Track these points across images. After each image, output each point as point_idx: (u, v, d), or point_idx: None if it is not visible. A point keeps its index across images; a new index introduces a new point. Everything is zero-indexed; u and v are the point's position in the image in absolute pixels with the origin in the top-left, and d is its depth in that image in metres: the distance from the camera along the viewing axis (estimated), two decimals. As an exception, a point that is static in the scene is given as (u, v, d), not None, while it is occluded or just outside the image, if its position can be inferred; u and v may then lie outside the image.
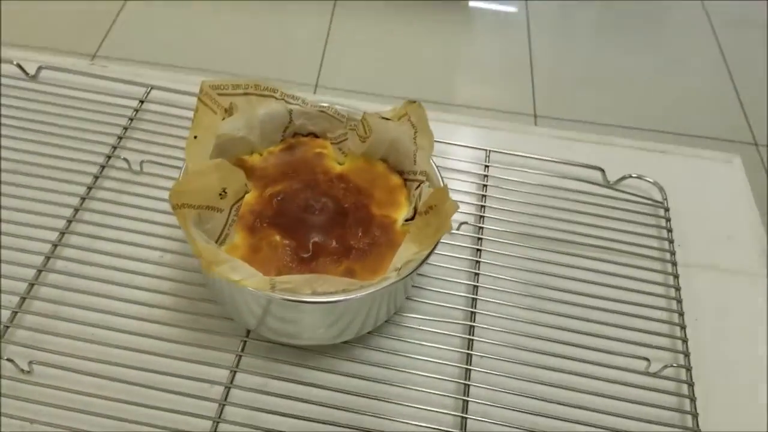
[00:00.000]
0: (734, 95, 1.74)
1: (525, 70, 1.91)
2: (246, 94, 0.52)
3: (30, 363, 0.49)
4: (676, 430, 0.51)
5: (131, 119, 0.65)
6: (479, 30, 2.00)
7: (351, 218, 0.52)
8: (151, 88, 0.67)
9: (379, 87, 1.66)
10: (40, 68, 0.68)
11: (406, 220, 0.52)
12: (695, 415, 0.51)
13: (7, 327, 0.51)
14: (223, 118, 0.51)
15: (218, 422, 0.48)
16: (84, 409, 0.47)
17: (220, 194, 0.47)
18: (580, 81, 1.82)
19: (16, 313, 0.51)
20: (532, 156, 0.66)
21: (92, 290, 0.53)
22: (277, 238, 0.50)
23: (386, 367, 0.51)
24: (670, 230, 0.62)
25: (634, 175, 0.65)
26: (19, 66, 0.68)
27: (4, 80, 0.67)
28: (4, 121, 0.63)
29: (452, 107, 1.74)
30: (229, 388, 0.49)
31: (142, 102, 0.66)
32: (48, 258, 0.55)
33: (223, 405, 0.48)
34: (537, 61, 1.96)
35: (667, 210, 0.63)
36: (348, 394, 0.50)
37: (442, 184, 0.52)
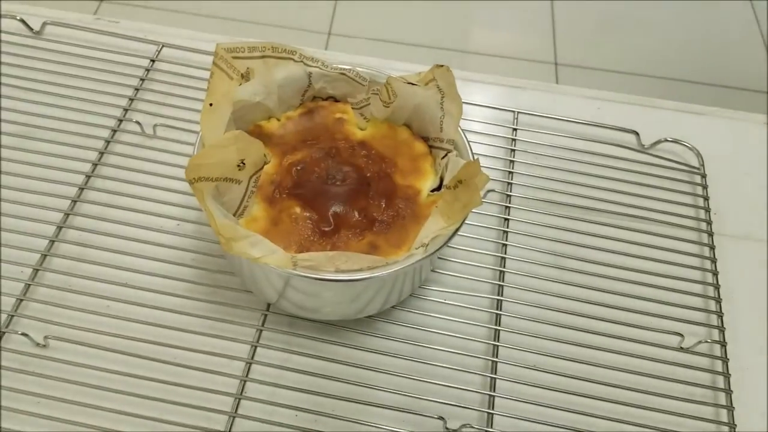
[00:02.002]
0: (761, 42, 1.67)
1: (546, 15, 1.84)
2: (263, 57, 0.49)
3: (45, 337, 0.48)
4: (709, 407, 0.49)
5: (142, 79, 0.62)
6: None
7: (374, 188, 0.49)
8: (162, 46, 0.64)
9: (393, 33, 1.60)
10: (44, 24, 0.65)
11: (432, 191, 0.50)
12: (729, 393, 0.49)
13: (21, 300, 0.49)
14: (240, 84, 0.48)
15: (240, 399, 0.47)
16: (100, 384, 0.46)
17: (238, 165, 0.45)
18: (602, 27, 1.76)
19: (29, 285, 0.50)
20: (563, 118, 0.63)
21: (107, 261, 0.51)
22: (298, 210, 0.47)
23: (410, 343, 0.50)
24: (706, 198, 0.59)
25: (669, 139, 0.62)
26: (23, 21, 0.65)
27: (7, 36, 0.64)
28: (8, 80, 0.61)
29: (469, 54, 1.68)
30: (250, 363, 0.48)
31: (153, 61, 0.63)
32: (60, 228, 0.53)
33: (245, 381, 0.47)
34: (558, 5, 1.88)
35: (704, 177, 0.60)
36: (371, 370, 0.48)
37: (470, 154, 0.49)
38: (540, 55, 1.81)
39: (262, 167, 0.47)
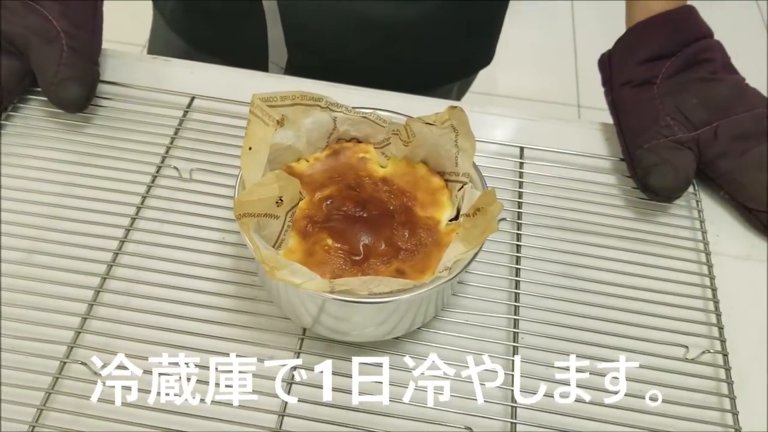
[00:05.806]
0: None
1: (569, 58, 1.87)
2: (293, 104, 0.55)
3: (102, 366, 0.52)
4: (715, 412, 0.53)
5: (177, 128, 0.67)
6: (522, 16, 1.94)
7: (397, 220, 0.54)
8: (194, 98, 0.70)
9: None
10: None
11: (450, 220, 0.55)
12: (733, 398, 0.53)
13: (78, 332, 0.54)
14: (275, 129, 0.53)
15: (283, 416, 0.51)
16: (153, 407, 0.50)
17: (277, 202, 0.49)
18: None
19: (86, 319, 0.54)
20: (566, 151, 0.68)
21: (154, 295, 0.56)
22: (330, 241, 0.52)
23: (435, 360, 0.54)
24: (702, 221, 0.64)
25: (665, 166, 0.67)
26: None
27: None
28: (54, 134, 0.66)
29: (493, 97, 1.71)
30: (291, 383, 0.52)
31: (186, 111, 0.69)
32: (110, 266, 0.57)
33: (286, 401, 0.51)
34: (581, 48, 1.92)
35: (699, 201, 0.65)
36: (399, 386, 0.52)
37: (485, 186, 0.54)
38: (563, 98, 1.84)
39: (298, 203, 0.52)
